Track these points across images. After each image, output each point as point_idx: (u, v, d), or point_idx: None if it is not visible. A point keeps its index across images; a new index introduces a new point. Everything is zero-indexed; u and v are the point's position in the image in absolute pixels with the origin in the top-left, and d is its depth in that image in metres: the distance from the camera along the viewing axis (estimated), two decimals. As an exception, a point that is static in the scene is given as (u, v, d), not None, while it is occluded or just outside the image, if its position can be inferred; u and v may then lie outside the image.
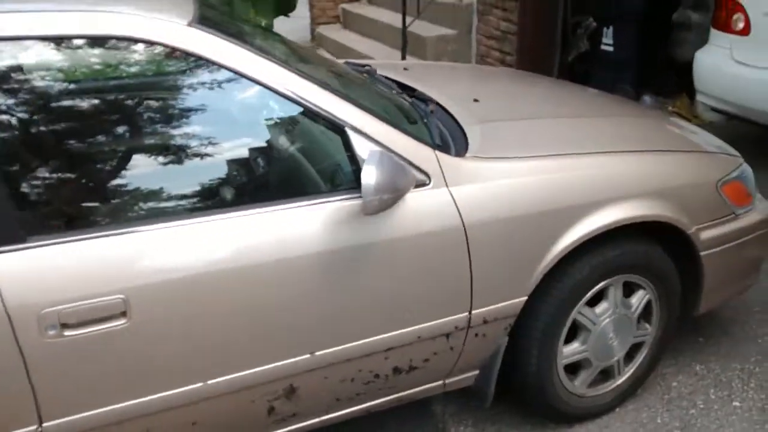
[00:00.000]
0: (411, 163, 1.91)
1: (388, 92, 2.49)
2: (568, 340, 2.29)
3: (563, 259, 2.12)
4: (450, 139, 2.18)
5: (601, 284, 2.25)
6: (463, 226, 1.96)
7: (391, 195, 1.76)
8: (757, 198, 2.60)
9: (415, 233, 1.91)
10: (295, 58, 2.28)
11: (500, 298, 2.08)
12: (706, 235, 2.35)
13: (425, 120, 2.20)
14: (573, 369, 2.36)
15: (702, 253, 2.37)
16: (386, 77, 2.75)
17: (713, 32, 4.46)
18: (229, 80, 1.82)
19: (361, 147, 1.86)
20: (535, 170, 2.10)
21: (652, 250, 2.30)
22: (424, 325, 2.00)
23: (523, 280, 2.09)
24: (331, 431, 2.30)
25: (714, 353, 2.77)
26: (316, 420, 2.03)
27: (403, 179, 1.83)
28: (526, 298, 2.11)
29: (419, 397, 2.18)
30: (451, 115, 2.38)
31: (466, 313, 2.04)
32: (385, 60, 5.95)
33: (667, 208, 2.23)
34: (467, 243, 1.97)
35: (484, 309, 2.06)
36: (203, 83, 1.82)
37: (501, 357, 2.17)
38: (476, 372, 2.21)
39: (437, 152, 1.97)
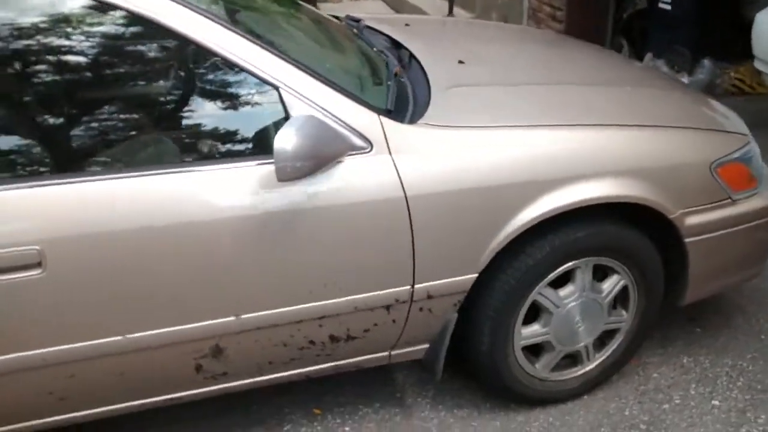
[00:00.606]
0: (351, 128, 1.82)
1: (368, 51, 2.38)
2: (530, 320, 2.18)
3: (521, 236, 2.00)
4: (412, 103, 2.06)
5: (567, 265, 2.11)
6: (405, 196, 1.86)
7: (310, 162, 1.68)
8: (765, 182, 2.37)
9: (351, 201, 1.83)
10: (262, 13, 2.21)
11: (446, 273, 1.98)
12: (693, 220, 2.16)
13: (388, 82, 2.09)
14: (536, 351, 2.25)
15: (687, 240, 2.18)
16: (381, 33, 2.64)
17: (779, -8, 4.06)
18: (157, 36, 1.75)
19: (297, 109, 1.78)
20: (494, 141, 1.96)
21: (628, 233, 2.13)
22: (361, 295, 1.93)
23: (472, 257, 1.98)
24: (287, 392, 2.30)
25: (708, 345, 2.58)
26: (250, 380, 2.02)
27: (331, 146, 1.74)
28: (476, 275, 2.00)
29: (364, 366, 2.13)
30: (427, 78, 2.25)
31: (408, 287, 1.96)
32: (432, 14, 5.76)
33: (643, 189, 2.05)
34: (409, 214, 1.87)
35: (428, 283, 1.97)
36: (124, 35, 1.77)
37: (450, 333, 2.08)
38: (426, 345, 2.14)
39: (382, 117, 1.87)
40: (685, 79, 4.81)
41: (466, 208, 1.92)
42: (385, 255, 1.90)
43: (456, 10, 5.77)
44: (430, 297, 1.99)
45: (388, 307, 1.98)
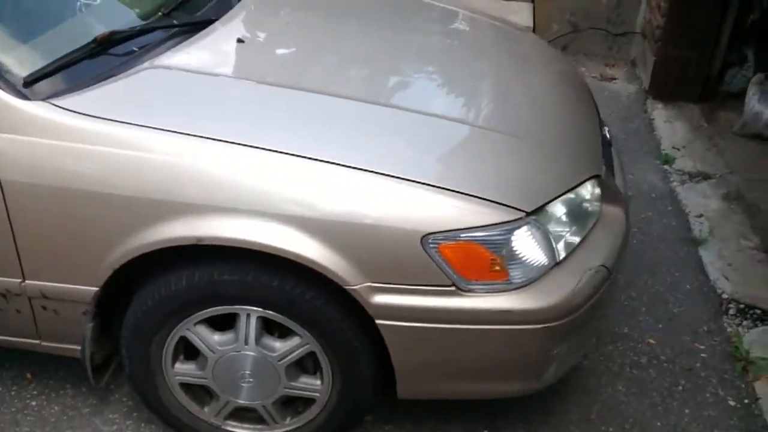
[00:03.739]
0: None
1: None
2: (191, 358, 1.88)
3: (154, 261, 1.69)
4: (87, 79, 1.77)
5: (219, 308, 1.76)
6: (-1, 182, 1.65)
7: None
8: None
9: None
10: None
11: (60, 277, 1.76)
12: (385, 299, 1.66)
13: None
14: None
15: (379, 321, 1.69)
16: None
17: None
18: None
19: None
20: (123, 141, 1.65)
21: (301, 292, 1.70)
22: (-34, 274, 1.79)
23: (88, 268, 1.72)
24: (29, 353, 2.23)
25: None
26: None
27: None
28: (96, 288, 1.74)
29: (17, 346, 1.99)
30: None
31: (19, 280, 1.77)
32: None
33: (303, 244, 1.61)
34: (5, 202, 1.67)
35: (40, 282, 1.77)
36: None
37: (88, 341, 1.84)
38: (79, 347, 1.93)
39: (-7, 88, 1.64)
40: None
41: (75, 211, 1.67)
42: (-16, 239, 1.73)
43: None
44: (46, 297, 1.79)
45: (4, 296, 1.81)
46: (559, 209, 1.81)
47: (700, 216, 3.17)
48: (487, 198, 1.67)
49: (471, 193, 1.66)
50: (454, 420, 2.13)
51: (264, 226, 1.62)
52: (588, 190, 1.93)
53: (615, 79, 4.52)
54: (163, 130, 1.66)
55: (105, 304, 1.83)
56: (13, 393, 2.20)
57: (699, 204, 3.26)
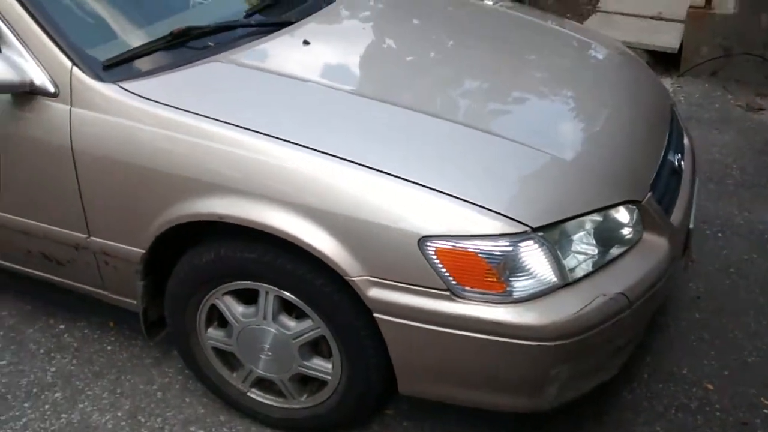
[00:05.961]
0: (45, 70, 1.93)
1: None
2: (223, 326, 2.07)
3: (189, 233, 1.90)
4: (153, 68, 2.01)
5: (243, 283, 1.92)
6: (72, 149, 1.93)
7: None
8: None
9: (24, 136, 2.00)
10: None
11: (116, 237, 2.01)
12: (381, 294, 1.73)
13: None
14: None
15: (377, 315, 1.76)
16: None
17: None
18: None
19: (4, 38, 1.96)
20: (170, 125, 1.85)
21: (311, 277, 1.81)
22: (47, 226, 2.11)
23: (136, 232, 1.95)
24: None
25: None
26: (6, 264, 2.37)
27: None
28: (143, 251, 1.97)
29: (91, 295, 2.27)
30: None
31: (85, 236, 2.05)
32: None
33: (310, 232, 1.72)
34: (75, 168, 1.95)
35: (101, 240, 2.04)
36: None
37: (140, 299, 2.08)
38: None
39: (75, 69, 1.92)
40: None
41: (130, 181, 1.91)
42: (58, 197, 2.03)
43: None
44: (106, 254, 2.05)
45: (76, 248, 2.10)
46: (578, 229, 1.77)
47: (815, 265, 2.86)
48: (492, 209, 1.68)
49: (475, 202, 1.69)
50: (475, 427, 2.14)
51: (277, 212, 1.75)
52: (624, 215, 1.87)
53: (763, 110, 4.17)
54: (201, 116, 1.85)
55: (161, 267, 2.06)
56: (96, 336, 2.52)
57: (818, 252, 2.95)
